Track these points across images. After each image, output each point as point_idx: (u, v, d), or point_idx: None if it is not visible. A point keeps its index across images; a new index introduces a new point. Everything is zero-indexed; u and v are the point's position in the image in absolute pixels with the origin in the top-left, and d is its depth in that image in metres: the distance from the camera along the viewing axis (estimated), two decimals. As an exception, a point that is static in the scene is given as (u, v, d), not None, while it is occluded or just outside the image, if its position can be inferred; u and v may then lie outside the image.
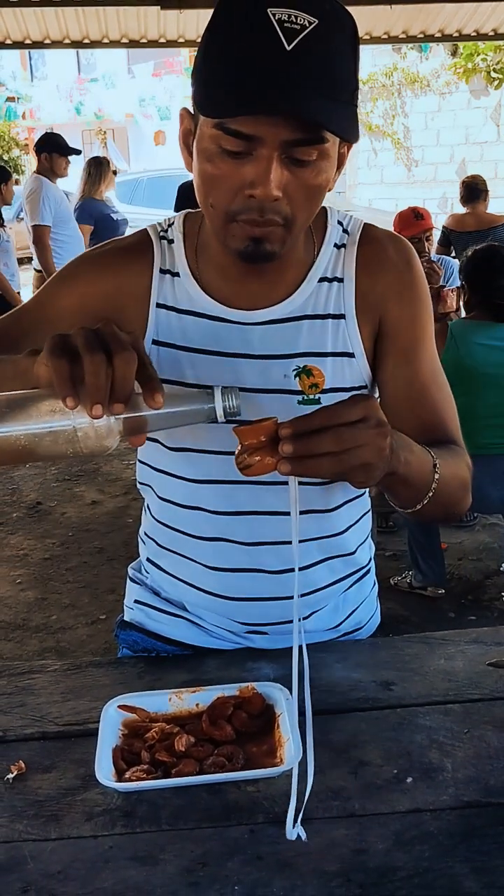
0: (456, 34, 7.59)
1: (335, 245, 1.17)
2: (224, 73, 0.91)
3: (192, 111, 1.02)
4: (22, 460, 0.89)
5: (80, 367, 0.82)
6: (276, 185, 0.94)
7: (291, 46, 0.88)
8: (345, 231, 1.18)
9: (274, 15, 0.88)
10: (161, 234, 1.19)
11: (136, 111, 18.92)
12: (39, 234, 5.67)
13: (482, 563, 3.85)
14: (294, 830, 0.88)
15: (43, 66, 24.80)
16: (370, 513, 1.33)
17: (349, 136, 0.93)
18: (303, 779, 0.91)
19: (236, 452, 0.92)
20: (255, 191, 0.95)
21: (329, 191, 1.02)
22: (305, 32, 0.88)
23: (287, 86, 0.88)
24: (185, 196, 4.15)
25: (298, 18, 0.88)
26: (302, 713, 0.96)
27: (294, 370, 1.13)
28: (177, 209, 4.20)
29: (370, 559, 1.35)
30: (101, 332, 0.84)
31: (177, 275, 1.16)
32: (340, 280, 1.15)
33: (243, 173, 0.95)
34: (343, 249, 1.17)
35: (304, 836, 0.88)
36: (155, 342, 1.15)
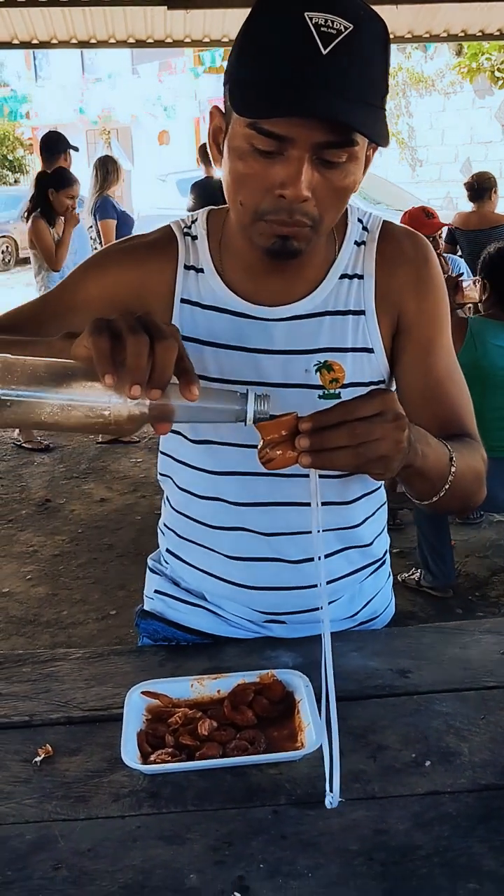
0: (461, 34, 7.62)
1: (355, 242, 1.19)
2: (260, 75, 0.93)
3: (222, 109, 1.04)
4: (48, 427, 0.91)
5: (121, 349, 0.84)
6: (307, 185, 0.97)
7: (327, 50, 0.90)
8: (364, 228, 1.20)
9: (311, 19, 0.90)
10: (185, 230, 1.21)
11: (140, 111, 18.94)
12: None
13: (489, 559, 3.88)
14: (332, 798, 0.91)
15: (47, 66, 24.83)
16: (386, 506, 1.36)
17: (381, 140, 0.95)
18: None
19: (259, 447, 0.95)
20: (285, 191, 0.97)
21: (354, 192, 1.04)
22: (341, 37, 0.90)
23: (322, 89, 0.90)
24: (202, 194, 4.17)
25: (334, 23, 0.90)
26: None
27: (315, 365, 1.15)
28: (195, 207, 4.25)
29: (385, 552, 1.38)
30: (143, 318, 0.87)
31: (201, 271, 1.18)
32: (361, 277, 1.18)
33: (274, 173, 0.97)
34: (363, 247, 1.19)
35: (335, 803, 0.91)
36: None
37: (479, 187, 6.12)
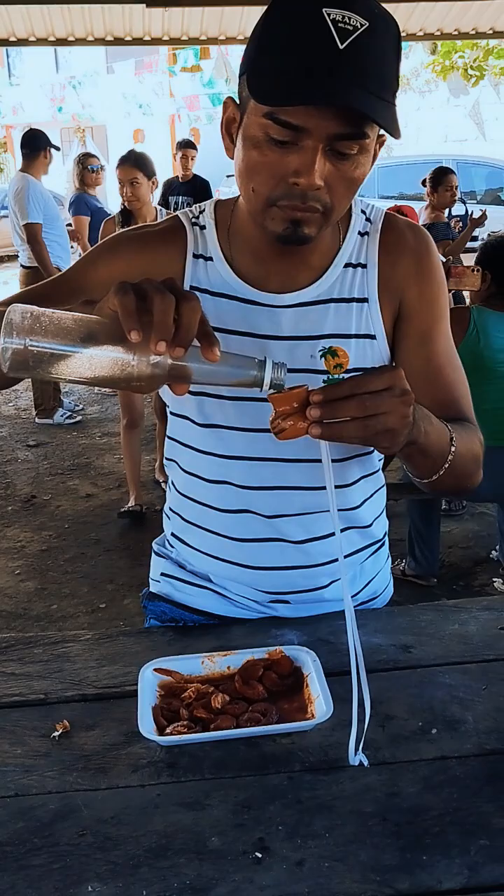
0: (437, 33, 7.68)
1: (359, 233, 1.23)
2: (280, 65, 0.96)
3: (236, 100, 1.08)
4: (70, 380, 0.91)
5: (147, 309, 0.86)
6: (320, 174, 1.00)
7: (344, 45, 0.93)
8: (367, 219, 1.24)
9: (329, 15, 0.93)
10: (193, 220, 1.24)
11: (115, 109, 18.91)
12: (32, 233, 5.67)
13: (472, 550, 3.94)
14: (356, 757, 0.97)
15: (21, 65, 24.71)
16: (384, 489, 1.40)
17: (394, 131, 0.98)
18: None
19: (270, 418, 0.98)
20: (299, 179, 1.01)
21: (362, 184, 1.07)
22: (357, 33, 0.93)
23: (340, 82, 0.94)
24: None
25: (351, 20, 0.93)
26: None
27: (320, 351, 1.19)
28: None
29: (384, 533, 1.42)
30: (167, 282, 0.90)
31: (209, 259, 1.21)
32: (364, 266, 1.22)
33: (288, 162, 1.01)
34: (366, 237, 1.23)
35: (366, 762, 0.97)
36: None
37: (431, 185, 6.20)
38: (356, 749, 0.98)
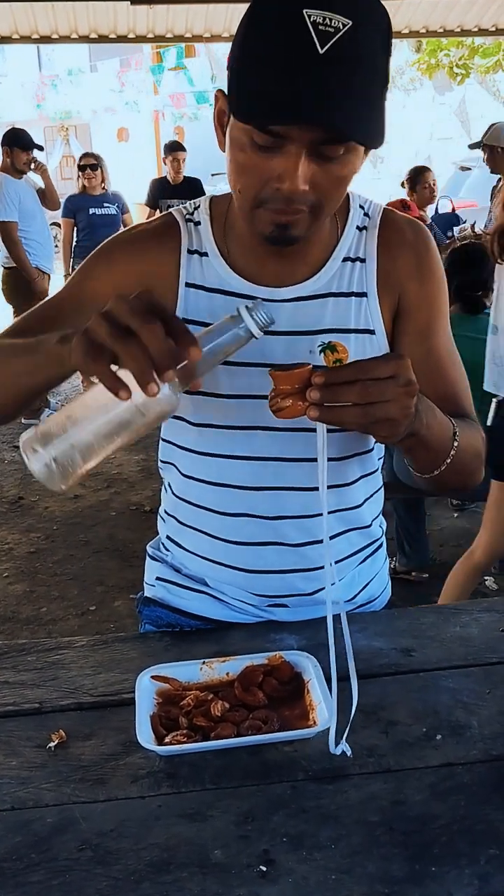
0: (423, 31, 7.68)
1: (357, 227, 1.21)
2: (258, 79, 0.94)
3: (227, 92, 1.05)
4: (101, 461, 0.93)
5: (116, 359, 0.84)
6: (304, 179, 0.98)
7: (324, 49, 0.89)
8: (366, 214, 1.23)
9: (309, 17, 0.89)
10: (187, 217, 1.22)
11: (99, 108, 18.81)
12: (6, 231, 5.62)
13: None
14: (339, 747, 0.95)
15: (2, 63, 24.56)
16: (382, 490, 1.37)
17: (375, 144, 0.96)
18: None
19: (269, 395, 0.96)
20: (282, 185, 0.98)
21: (353, 176, 1.05)
22: (339, 35, 0.90)
23: (317, 94, 0.91)
24: None
25: (333, 21, 0.90)
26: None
27: (319, 346, 1.17)
28: None
29: (382, 533, 1.40)
30: (112, 314, 0.85)
31: (205, 254, 1.19)
32: (363, 260, 1.20)
33: (272, 166, 0.99)
34: (365, 232, 1.21)
35: (349, 752, 0.96)
36: (184, 321, 1.18)
37: (409, 185, 6.22)
38: (337, 741, 0.97)
